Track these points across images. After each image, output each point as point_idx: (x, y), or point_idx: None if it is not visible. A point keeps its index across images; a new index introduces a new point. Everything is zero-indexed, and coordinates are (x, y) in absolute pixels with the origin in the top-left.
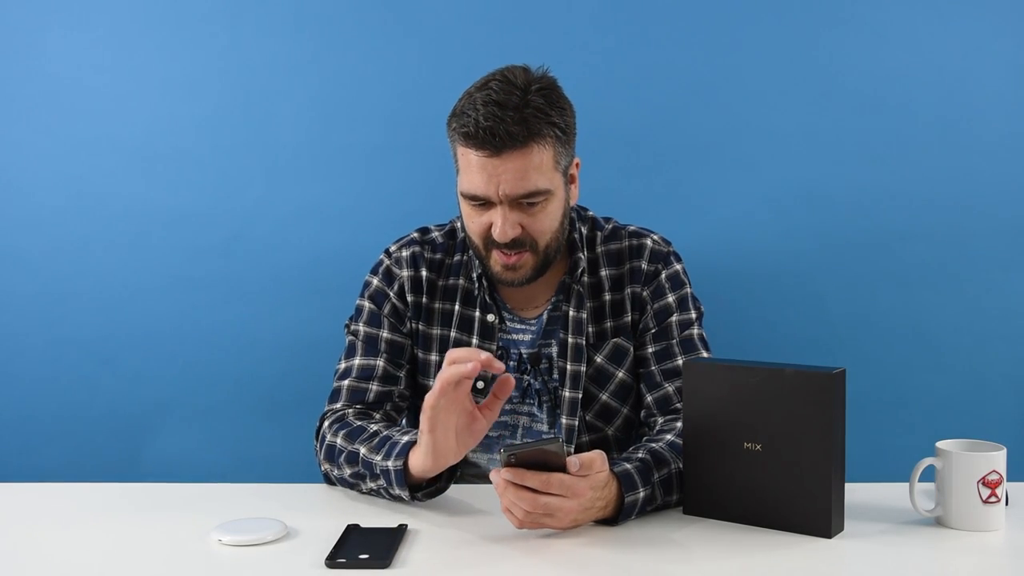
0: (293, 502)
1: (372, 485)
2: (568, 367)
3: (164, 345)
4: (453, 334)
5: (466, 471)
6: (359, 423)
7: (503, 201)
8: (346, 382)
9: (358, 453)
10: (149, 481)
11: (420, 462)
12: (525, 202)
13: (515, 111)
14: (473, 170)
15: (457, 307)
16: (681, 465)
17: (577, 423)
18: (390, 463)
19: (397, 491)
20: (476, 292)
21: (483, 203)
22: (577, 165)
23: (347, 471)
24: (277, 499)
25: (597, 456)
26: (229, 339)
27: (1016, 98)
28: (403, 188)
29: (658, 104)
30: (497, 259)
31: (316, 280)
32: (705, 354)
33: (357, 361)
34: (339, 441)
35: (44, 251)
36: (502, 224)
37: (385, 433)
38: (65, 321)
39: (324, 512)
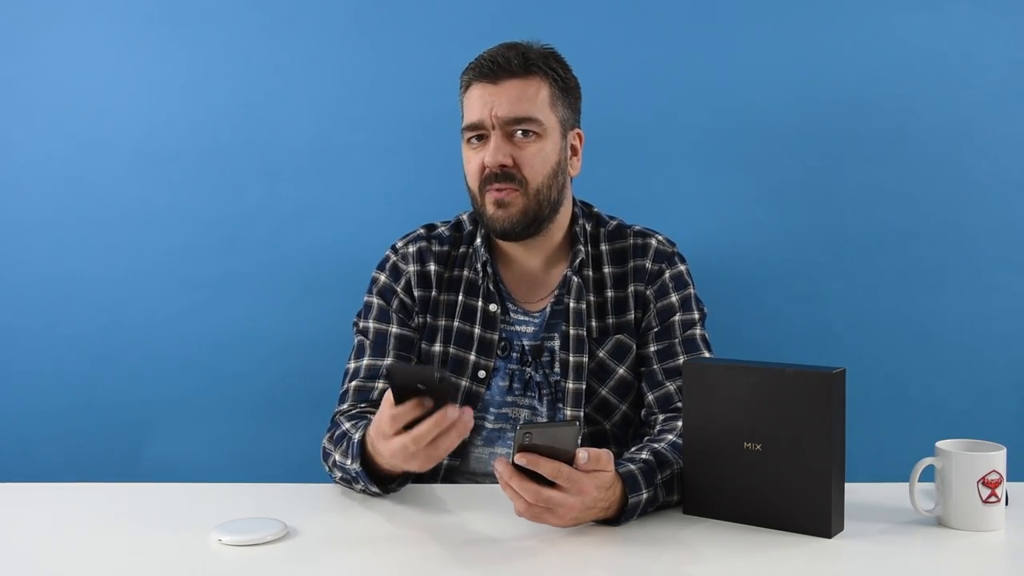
0: (293, 502)
1: (358, 487)
2: (571, 359)
3: (164, 345)
4: (456, 324)
5: (466, 468)
6: (346, 426)
7: (496, 126)
8: (354, 383)
9: (336, 460)
10: (149, 481)
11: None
12: (518, 131)
13: (517, 51)
14: (472, 101)
15: (461, 297)
16: (682, 465)
17: (581, 413)
18: (355, 466)
19: (372, 489)
20: (479, 281)
21: (479, 135)
22: (580, 137)
23: (338, 475)
24: (277, 499)
25: (603, 453)
26: (229, 339)
27: (1016, 98)
28: (403, 188)
29: (658, 104)
30: (490, 198)
31: (316, 280)
32: (707, 354)
33: (365, 362)
34: (330, 446)
35: (44, 251)
36: (492, 150)
37: (345, 427)
38: (65, 321)
39: (324, 512)
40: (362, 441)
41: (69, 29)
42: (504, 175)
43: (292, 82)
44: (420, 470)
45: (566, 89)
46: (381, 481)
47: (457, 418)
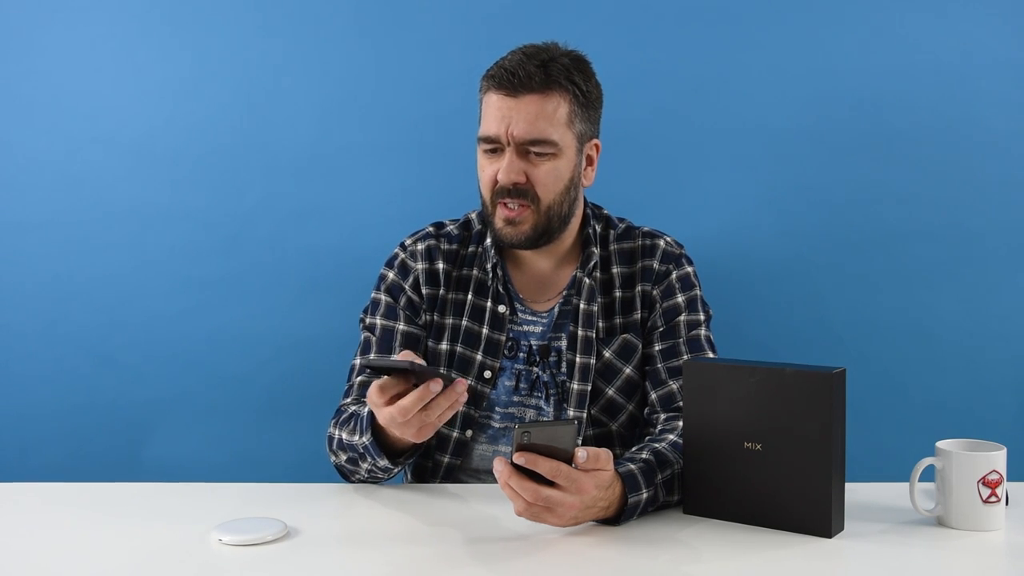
0: (293, 502)
1: (365, 466)
2: (577, 359)
3: (164, 345)
4: (465, 323)
5: (468, 465)
6: (352, 408)
7: (510, 144)
8: (359, 379)
9: (343, 439)
10: (149, 481)
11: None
12: (532, 151)
13: (540, 62)
14: (490, 111)
15: (470, 297)
16: (682, 464)
17: (585, 415)
18: (365, 439)
19: (382, 463)
20: (489, 282)
21: (495, 148)
22: (597, 147)
23: (343, 458)
24: (277, 499)
25: (602, 452)
26: (229, 339)
27: (1016, 98)
28: (403, 188)
29: (659, 104)
30: (500, 213)
31: (316, 280)
32: (711, 355)
33: (371, 357)
34: (335, 431)
35: (44, 251)
36: (506, 167)
37: (352, 409)
38: (65, 321)
39: (324, 512)
40: (372, 413)
41: (69, 29)
42: (517, 191)
43: (292, 82)
44: (416, 440)
45: (587, 103)
46: (392, 454)
47: (441, 391)
